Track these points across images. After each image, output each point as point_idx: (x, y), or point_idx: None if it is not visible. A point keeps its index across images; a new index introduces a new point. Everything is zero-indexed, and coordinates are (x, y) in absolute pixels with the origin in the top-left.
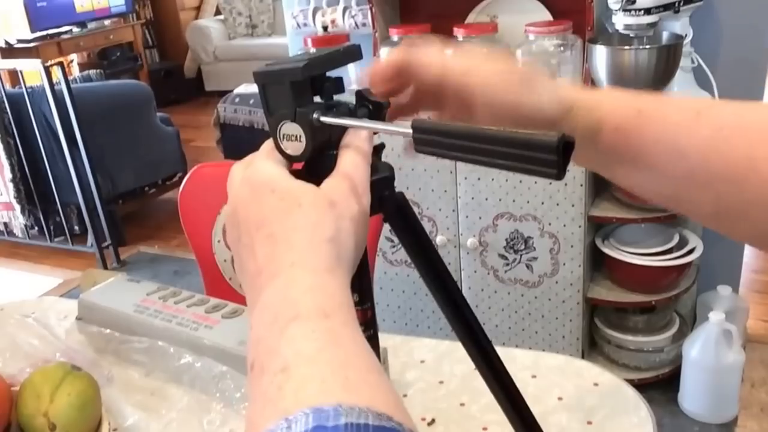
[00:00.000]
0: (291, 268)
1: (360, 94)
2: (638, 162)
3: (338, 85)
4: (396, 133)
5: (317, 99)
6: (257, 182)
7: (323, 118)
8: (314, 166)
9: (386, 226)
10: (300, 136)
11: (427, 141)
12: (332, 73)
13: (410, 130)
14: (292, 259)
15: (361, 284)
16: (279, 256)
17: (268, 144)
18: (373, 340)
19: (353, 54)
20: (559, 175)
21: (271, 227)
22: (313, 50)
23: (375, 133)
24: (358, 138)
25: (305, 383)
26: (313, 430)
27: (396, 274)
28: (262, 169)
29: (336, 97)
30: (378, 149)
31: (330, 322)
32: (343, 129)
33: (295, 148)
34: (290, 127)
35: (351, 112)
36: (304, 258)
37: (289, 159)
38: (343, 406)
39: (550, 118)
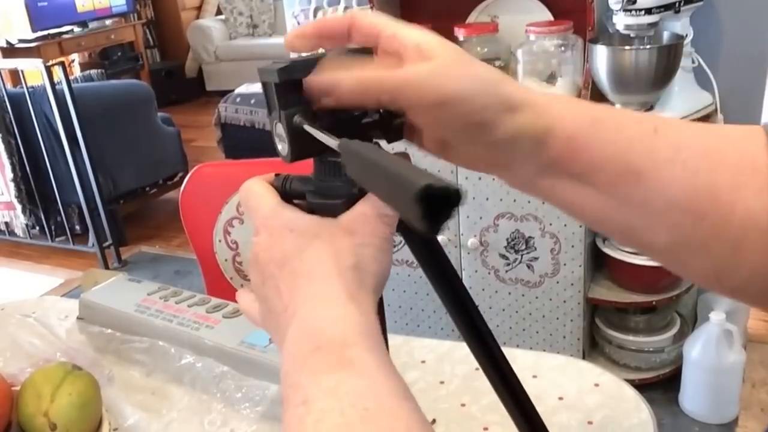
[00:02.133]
0: (312, 300)
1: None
2: (587, 179)
3: None
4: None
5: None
6: (274, 224)
7: (306, 125)
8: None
9: None
10: (285, 138)
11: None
12: None
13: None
14: (314, 290)
15: None
16: (301, 290)
17: (263, 185)
18: None
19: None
20: (433, 230)
21: (293, 263)
22: (321, 50)
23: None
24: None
25: (325, 416)
26: None
27: (397, 274)
28: (276, 212)
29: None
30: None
31: (351, 351)
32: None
33: (283, 149)
34: (279, 128)
35: (356, 118)
36: (324, 288)
37: (282, 158)
38: None
39: (490, 116)
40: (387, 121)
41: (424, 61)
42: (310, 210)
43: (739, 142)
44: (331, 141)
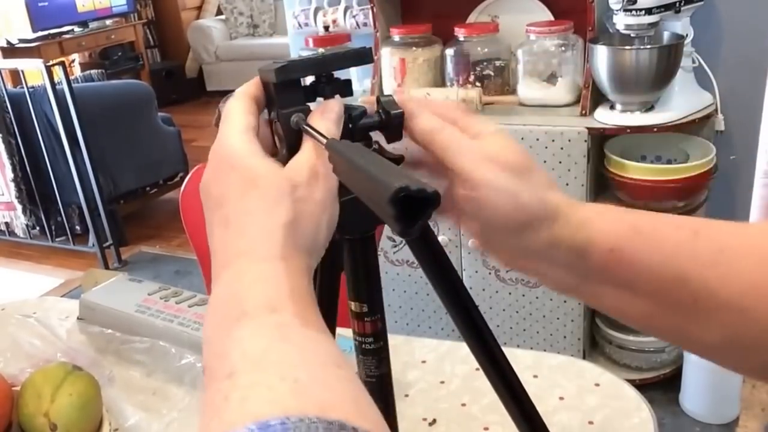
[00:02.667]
0: (239, 258)
1: (377, 101)
2: (632, 286)
3: (344, 88)
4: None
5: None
6: (221, 156)
7: (302, 124)
8: None
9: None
10: (282, 138)
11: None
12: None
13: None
14: (242, 247)
15: (371, 293)
16: (230, 243)
17: (243, 103)
18: (382, 353)
19: (359, 57)
20: (404, 232)
21: (227, 209)
22: (321, 50)
23: (371, 129)
24: (326, 118)
25: (251, 392)
26: None
27: (397, 274)
28: (227, 142)
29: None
30: (398, 161)
31: (279, 316)
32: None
33: (281, 148)
34: (278, 127)
35: (361, 116)
36: (254, 246)
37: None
38: (291, 418)
39: (528, 218)
40: (386, 122)
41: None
42: None
43: None
44: (320, 140)
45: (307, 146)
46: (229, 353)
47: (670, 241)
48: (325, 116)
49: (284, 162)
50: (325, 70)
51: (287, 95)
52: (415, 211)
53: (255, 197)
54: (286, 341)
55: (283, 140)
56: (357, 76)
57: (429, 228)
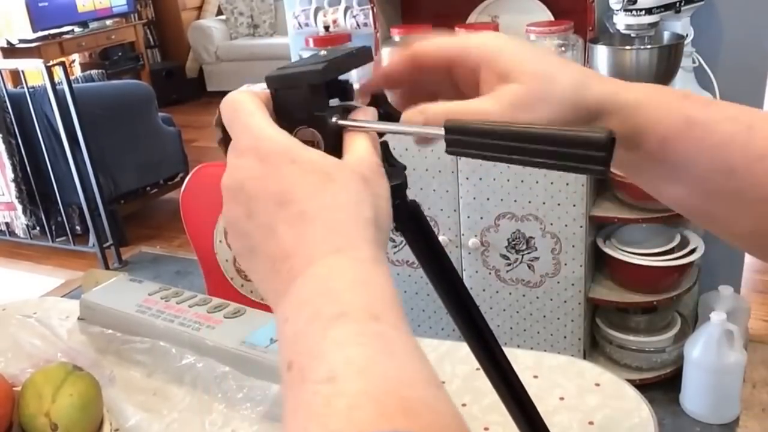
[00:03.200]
0: (334, 255)
1: (376, 98)
2: (682, 174)
3: (351, 88)
4: (426, 134)
5: (332, 102)
6: (271, 151)
7: (342, 122)
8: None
9: None
10: (318, 142)
11: (461, 142)
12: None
13: (442, 132)
14: (335, 243)
15: None
16: (316, 239)
17: (254, 100)
18: None
19: (367, 55)
20: (606, 172)
21: (301, 204)
22: (323, 52)
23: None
24: (358, 117)
25: (359, 402)
26: None
27: (398, 274)
28: (272, 136)
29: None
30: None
31: (380, 325)
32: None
33: None
34: (306, 133)
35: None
36: (348, 242)
37: None
38: None
39: (572, 122)
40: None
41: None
42: None
43: None
44: (434, 130)
45: (361, 142)
46: (327, 354)
47: (723, 134)
48: (366, 117)
49: None
50: (345, 70)
51: (319, 96)
52: (610, 150)
53: (335, 191)
54: (389, 354)
55: (319, 146)
56: (356, 76)
57: (429, 226)
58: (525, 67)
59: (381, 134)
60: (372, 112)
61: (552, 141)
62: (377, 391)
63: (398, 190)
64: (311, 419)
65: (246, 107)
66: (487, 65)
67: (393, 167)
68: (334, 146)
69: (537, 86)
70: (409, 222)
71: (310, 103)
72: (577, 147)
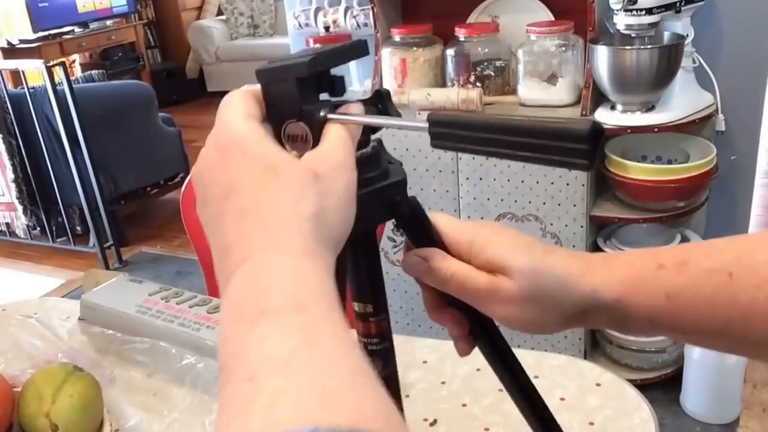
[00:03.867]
0: (263, 251)
1: (379, 94)
2: (682, 337)
3: (342, 83)
4: (411, 128)
5: (322, 96)
6: (226, 141)
7: (331, 115)
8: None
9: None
10: (306, 136)
11: (444, 135)
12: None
13: (426, 125)
14: (265, 239)
15: (376, 294)
16: (250, 235)
17: (242, 94)
18: (388, 353)
19: (359, 49)
20: (590, 166)
21: (242, 198)
22: (317, 46)
23: (375, 130)
24: (348, 112)
25: (276, 399)
26: None
27: (398, 275)
28: (233, 126)
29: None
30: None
31: (305, 316)
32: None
33: (301, 148)
34: (296, 127)
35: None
36: (279, 239)
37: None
38: (321, 429)
39: (561, 325)
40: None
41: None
42: None
43: None
44: (418, 123)
45: (332, 137)
46: (248, 353)
47: (705, 292)
48: (348, 109)
49: None
50: (335, 64)
51: (308, 90)
52: (595, 144)
53: (277, 187)
54: (313, 345)
55: (308, 139)
56: (357, 76)
57: (429, 222)
58: (514, 264)
59: (375, 130)
60: (359, 107)
61: (534, 133)
62: (297, 385)
63: (398, 186)
64: (233, 420)
65: (231, 104)
66: (478, 254)
67: (391, 164)
68: (315, 138)
69: (523, 286)
70: (410, 219)
71: (299, 96)
72: (560, 140)
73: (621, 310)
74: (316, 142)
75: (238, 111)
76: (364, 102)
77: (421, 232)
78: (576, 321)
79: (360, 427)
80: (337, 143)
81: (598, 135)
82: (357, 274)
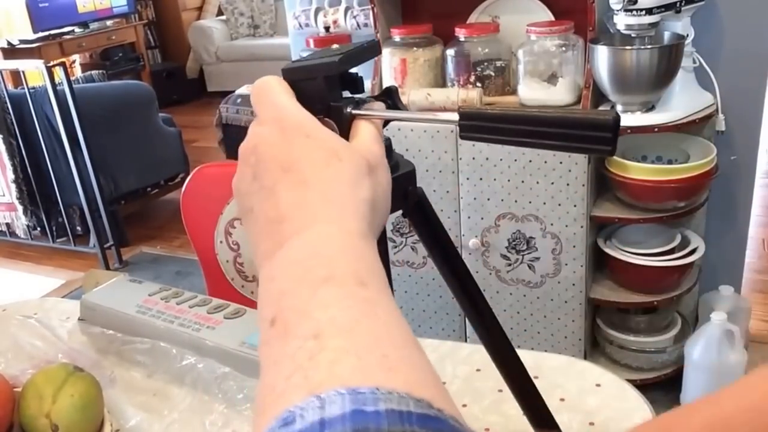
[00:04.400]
0: (326, 224)
1: (388, 91)
2: None
3: (361, 82)
4: (442, 122)
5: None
6: (291, 124)
7: (357, 111)
8: None
9: (388, 226)
10: (333, 131)
11: (474, 128)
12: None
13: (456, 117)
14: (328, 214)
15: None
16: (312, 207)
17: (280, 80)
18: None
19: (375, 49)
20: (613, 151)
21: (305, 173)
22: (335, 46)
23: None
24: (372, 108)
25: (341, 357)
26: (351, 415)
27: (398, 275)
28: (296, 113)
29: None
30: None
31: (366, 291)
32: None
33: None
34: (323, 123)
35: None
36: (341, 216)
37: None
38: (381, 389)
39: None
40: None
41: None
42: None
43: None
44: (448, 116)
45: (366, 133)
46: (313, 313)
47: None
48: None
49: None
50: (356, 63)
51: (335, 88)
52: (616, 132)
53: (339, 169)
54: (372, 317)
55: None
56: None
57: (433, 212)
58: None
59: (385, 123)
60: (381, 106)
61: (561, 124)
62: (359, 348)
63: (409, 177)
64: (295, 371)
65: (275, 88)
66: None
67: (401, 156)
68: (348, 136)
69: None
70: (417, 208)
71: (326, 94)
72: (586, 129)
73: None
74: (343, 137)
75: (291, 98)
76: (375, 98)
77: (426, 221)
78: None
79: (414, 393)
80: (373, 139)
81: (618, 124)
82: None
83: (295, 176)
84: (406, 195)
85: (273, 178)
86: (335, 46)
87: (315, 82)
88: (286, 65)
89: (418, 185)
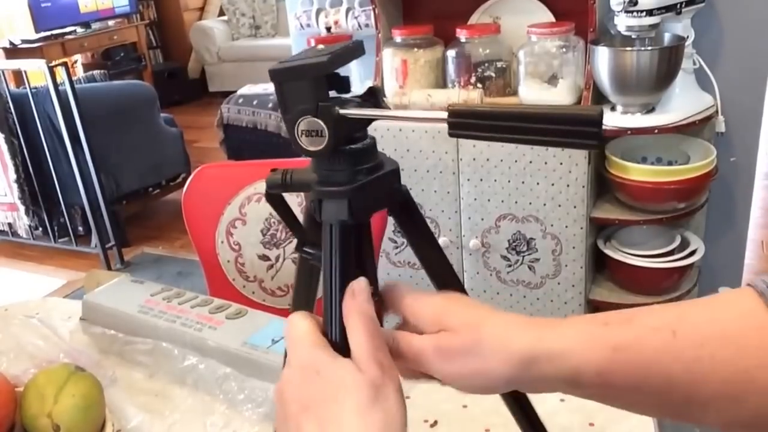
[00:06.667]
0: None
1: (372, 90)
2: (631, 396)
3: (348, 82)
4: (431, 120)
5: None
6: (305, 362)
7: (345, 111)
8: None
9: (389, 227)
10: (322, 131)
11: (462, 125)
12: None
13: (444, 115)
14: None
15: (364, 270)
16: None
17: (309, 329)
18: None
19: (360, 49)
20: (599, 145)
21: (319, 411)
22: (321, 47)
23: (368, 124)
24: (359, 303)
25: None
26: None
27: (399, 276)
28: (309, 351)
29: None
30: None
31: None
32: (363, 121)
33: (316, 143)
34: (311, 123)
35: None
36: None
37: (309, 155)
38: None
39: (508, 378)
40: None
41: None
42: (318, 200)
43: (749, 317)
44: (437, 114)
45: (359, 336)
46: None
47: (650, 348)
48: (357, 300)
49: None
50: (343, 63)
51: (322, 88)
52: (601, 126)
53: (349, 404)
54: None
55: (323, 134)
56: (359, 77)
57: (417, 211)
58: (455, 319)
59: (370, 121)
60: (361, 283)
61: (548, 120)
62: None
63: (395, 174)
64: None
65: (300, 326)
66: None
67: (385, 155)
68: (338, 133)
69: (464, 338)
70: (401, 206)
71: (315, 93)
72: (572, 124)
73: (568, 360)
74: (330, 137)
75: (313, 336)
76: (360, 98)
77: (410, 219)
78: (522, 372)
79: None
80: (371, 341)
81: (602, 119)
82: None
83: (312, 414)
84: (392, 193)
85: (297, 417)
86: (321, 46)
87: (303, 82)
88: (273, 66)
89: (418, 185)
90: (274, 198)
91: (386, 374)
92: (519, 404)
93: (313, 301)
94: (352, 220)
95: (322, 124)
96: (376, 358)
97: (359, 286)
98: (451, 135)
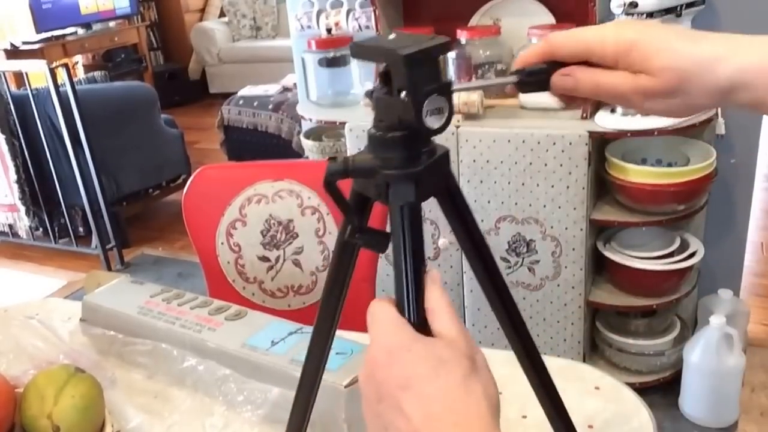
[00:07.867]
0: (455, 428)
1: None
2: None
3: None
4: (502, 84)
5: None
6: (392, 343)
7: (455, 87)
8: None
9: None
10: (443, 108)
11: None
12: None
13: (515, 78)
14: (457, 421)
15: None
16: (440, 419)
17: (390, 313)
18: None
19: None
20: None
21: (421, 388)
22: (393, 35)
23: None
24: (439, 294)
25: None
26: None
27: None
28: (394, 332)
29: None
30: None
31: None
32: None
33: (438, 120)
34: (437, 101)
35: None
36: (467, 422)
37: (432, 133)
38: None
39: (708, 106)
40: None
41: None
42: (386, 183)
43: None
44: (508, 79)
45: (447, 315)
46: None
47: None
48: (439, 285)
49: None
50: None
51: (441, 67)
52: None
53: (449, 378)
54: None
55: (444, 111)
56: (359, 78)
57: (458, 189)
58: (656, 63)
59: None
60: (437, 274)
61: None
62: None
63: (447, 158)
64: None
65: (375, 313)
66: (624, 60)
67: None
68: (452, 110)
69: (667, 82)
70: (450, 195)
71: (439, 74)
72: None
73: (764, 92)
74: (449, 114)
75: (395, 317)
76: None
77: (455, 204)
78: (722, 100)
79: None
80: (458, 324)
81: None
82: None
83: (413, 392)
84: (446, 176)
85: (395, 397)
86: (392, 36)
87: (431, 63)
88: (400, 51)
89: None
90: (332, 186)
91: (475, 347)
92: (549, 396)
93: (347, 288)
94: (419, 201)
95: (446, 101)
96: (466, 335)
97: (437, 275)
98: (522, 92)
